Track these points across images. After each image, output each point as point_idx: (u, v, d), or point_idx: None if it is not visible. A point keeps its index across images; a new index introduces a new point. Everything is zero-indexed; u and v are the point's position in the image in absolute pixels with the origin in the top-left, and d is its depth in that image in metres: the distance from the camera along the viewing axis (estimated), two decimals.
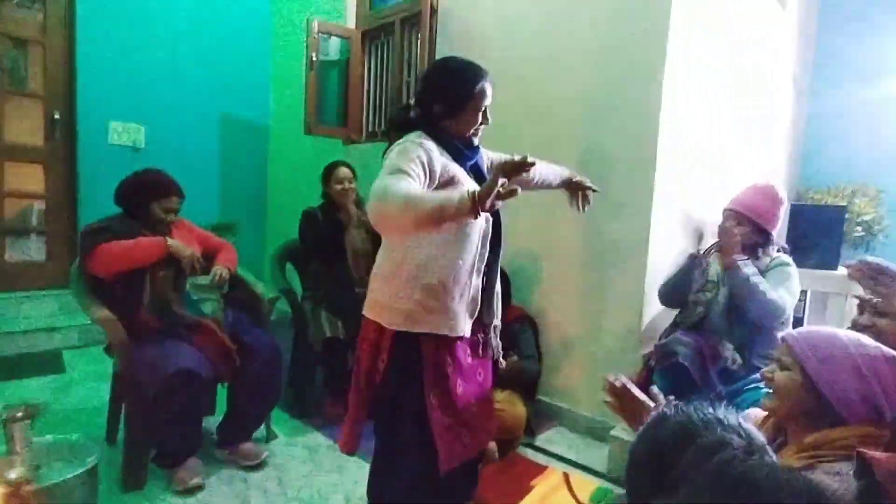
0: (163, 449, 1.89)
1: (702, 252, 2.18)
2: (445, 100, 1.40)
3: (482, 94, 1.41)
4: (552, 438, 2.42)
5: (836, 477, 0.83)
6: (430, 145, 1.35)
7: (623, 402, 1.18)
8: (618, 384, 1.18)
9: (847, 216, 3.15)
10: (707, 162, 2.59)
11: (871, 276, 1.23)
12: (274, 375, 2.06)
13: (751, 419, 1.17)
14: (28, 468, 1.36)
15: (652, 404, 1.13)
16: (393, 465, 1.51)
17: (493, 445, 2.08)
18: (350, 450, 1.54)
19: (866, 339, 1.03)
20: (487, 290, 1.51)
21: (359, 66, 3.71)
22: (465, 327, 1.44)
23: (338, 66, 3.85)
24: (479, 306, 1.48)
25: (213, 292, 2.13)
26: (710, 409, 0.71)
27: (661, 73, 2.20)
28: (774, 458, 0.66)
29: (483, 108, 1.43)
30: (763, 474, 0.59)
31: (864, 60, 3.88)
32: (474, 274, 1.44)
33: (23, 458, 1.36)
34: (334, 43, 3.83)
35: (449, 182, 1.36)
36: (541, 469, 2.10)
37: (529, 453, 2.26)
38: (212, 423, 2.10)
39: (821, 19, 3.97)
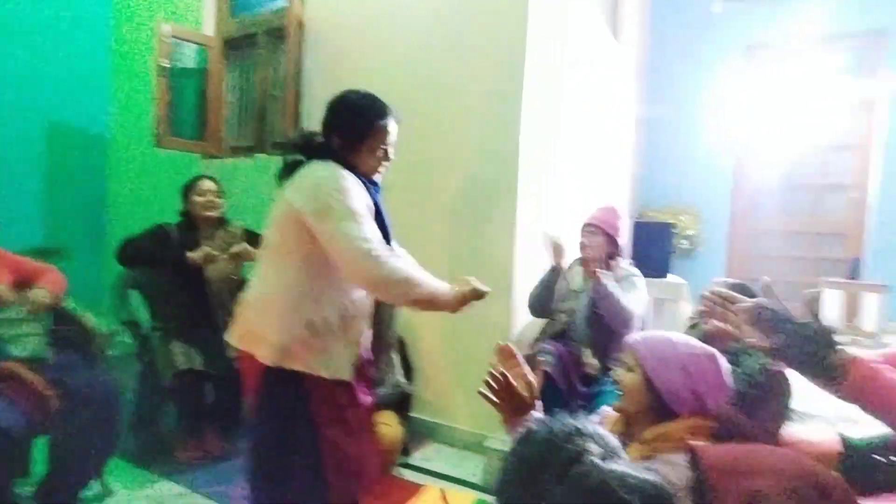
0: None
1: (565, 266, 2.33)
2: (343, 133, 1.37)
3: (383, 130, 1.39)
4: (428, 455, 2.40)
5: (670, 466, 0.92)
6: (354, 178, 1.31)
7: (503, 398, 1.14)
8: (501, 380, 1.13)
9: (675, 231, 3.65)
10: (561, 184, 2.82)
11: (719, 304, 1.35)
12: (108, 422, 1.77)
13: (604, 417, 1.27)
14: None
15: (527, 396, 1.13)
16: None
17: None
18: None
19: (693, 340, 1.16)
20: (380, 335, 1.49)
21: (219, 76, 3.46)
22: (344, 372, 1.36)
23: (195, 74, 3.56)
24: (362, 351, 1.41)
25: (30, 325, 1.78)
26: (571, 420, 0.75)
27: (519, 101, 2.35)
28: (626, 457, 0.71)
29: (385, 146, 1.40)
30: (617, 480, 0.65)
31: (690, 91, 4.57)
32: (362, 319, 1.39)
33: None
34: (191, 50, 3.53)
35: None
36: (416, 488, 2.08)
37: (406, 473, 2.22)
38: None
39: (652, 55, 4.59)
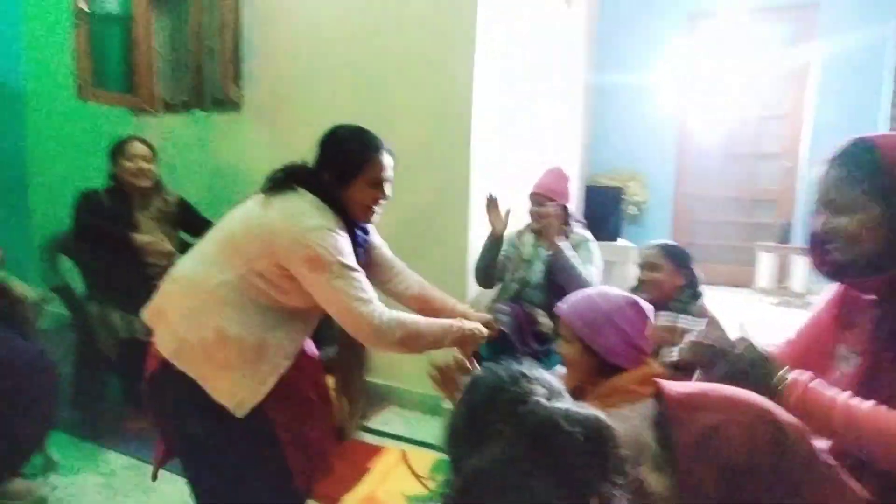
0: None
1: (502, 232, 2.29)
2: (334, 169, 1.29)
3: (376, 164, 1.30)
4: (386, 419, 2.42)
5: (620, 420, 0.93)
6: (340, 228, 1.24)
7: (445, 386, 1.22)
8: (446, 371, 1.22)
9: (624, 197, 3.74)
10: (513, 151, 2.82)
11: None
12: (44, 394, 1.67)
13: (558, 374, 1.30)
14: None
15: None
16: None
17: None
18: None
19: (612, 291, 1.19)
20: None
21: (144, 22, 3.16)
22: (236, 404, 1.19)
23: (120, 21, 3.24)
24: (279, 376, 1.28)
25: None
26: (517, 366, 0.76)
27: (471, 67, 2.29)
28: (571, 400, 0.73)
29: (380, 180, 1.32)
30: (561, 414, 0.67)
31: (639, 58, 4.61)
32: (283, 358, 1.28)
33: None
34: None
35: None
36: (377, 450, 2.09)
37: (365, 437, 2.23)
38: None
39: (603, 18, 4.57)
